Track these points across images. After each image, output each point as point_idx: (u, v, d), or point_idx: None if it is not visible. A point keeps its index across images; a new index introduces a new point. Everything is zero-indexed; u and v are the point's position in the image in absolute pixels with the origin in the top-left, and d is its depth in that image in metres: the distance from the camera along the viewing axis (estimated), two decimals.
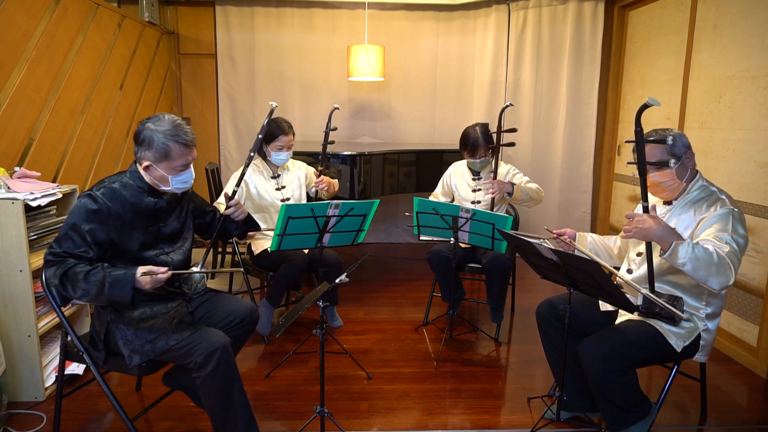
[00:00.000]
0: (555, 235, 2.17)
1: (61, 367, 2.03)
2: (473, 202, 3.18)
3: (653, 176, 1.96)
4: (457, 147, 3.22)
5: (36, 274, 2.33)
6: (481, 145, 3.05)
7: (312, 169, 3.27)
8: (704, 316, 1.98)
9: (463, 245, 3.08)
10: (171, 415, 2.32)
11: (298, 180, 3.18)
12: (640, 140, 1.83)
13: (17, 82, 2.78)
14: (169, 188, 1.91)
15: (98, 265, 1.76)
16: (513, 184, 2.99)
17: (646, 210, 1.88)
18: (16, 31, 2.79)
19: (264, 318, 2.94)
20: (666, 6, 3.72)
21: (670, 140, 1.87)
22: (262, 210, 3.07)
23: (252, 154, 2.31)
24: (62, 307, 1.92)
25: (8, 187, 2.32)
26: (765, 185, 2.76)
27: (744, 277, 2.89)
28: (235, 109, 5.04)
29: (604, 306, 2.18)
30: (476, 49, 4.95)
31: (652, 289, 1.96)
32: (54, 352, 2.55)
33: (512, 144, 3.04)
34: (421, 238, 2.96)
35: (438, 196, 3.39)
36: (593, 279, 1.80)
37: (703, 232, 1.88)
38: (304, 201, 3.16)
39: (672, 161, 1.91)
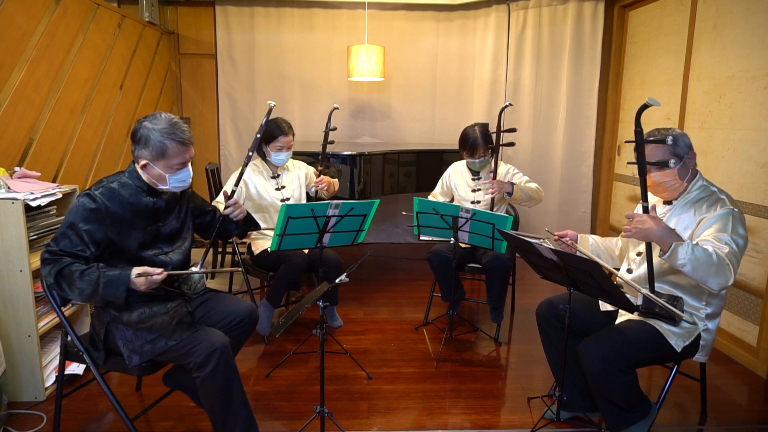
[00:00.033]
0: (556, 237, 2.17)
1: (61, 367, 2.03)
2: (473, 202, 3.18)
3: (655, 176, 1.96)
4: (457, 147, 3.23)
5: (36, 274, 2.34)
6: (479, 145, 3.05)
7: (312, 169, 3.27)
8: (704, 316, 1.98)
9: (463, 245, 3.08)
10: (171, 415, 2.32)
11: (297, 180, 3.17)
12: (640, 140, 1.83)
13: (17, 82, 2.78)
14: (167, 187, 1.90)
15: (93, 264, 1.76)
16: (513, 184, 2.99)
17: (646, 210, 1.88)
18: (16, 31, 2.79)
19: (264, 318, 2.94)
20: (666, 6, 3.72)
21: (669, 140, 1.87)
22: (262, 210, 3.07)
23: (250, 153, 2.31)
24: (62, 307, 1.92)
25: (8, 187, 2.32)
26: (765, 185, 2.76)
27: (744, 277, 2.89)
28: (235, 109, 5.04)
29: (604, 306, 2.18)
30: (476, 49, 4.95)
31: (652, 289, 1.96)
32: (54, 352, 2.55)
33: (512, 144, 3.05)
34: (421, 238, 2.96)
35: (437, 195, 3.39)
36: (593, 279, 1.80)
37: (703, 232, 1.88)
38: (304, 201, 3.16)
39: (673, 161, 1.90)
